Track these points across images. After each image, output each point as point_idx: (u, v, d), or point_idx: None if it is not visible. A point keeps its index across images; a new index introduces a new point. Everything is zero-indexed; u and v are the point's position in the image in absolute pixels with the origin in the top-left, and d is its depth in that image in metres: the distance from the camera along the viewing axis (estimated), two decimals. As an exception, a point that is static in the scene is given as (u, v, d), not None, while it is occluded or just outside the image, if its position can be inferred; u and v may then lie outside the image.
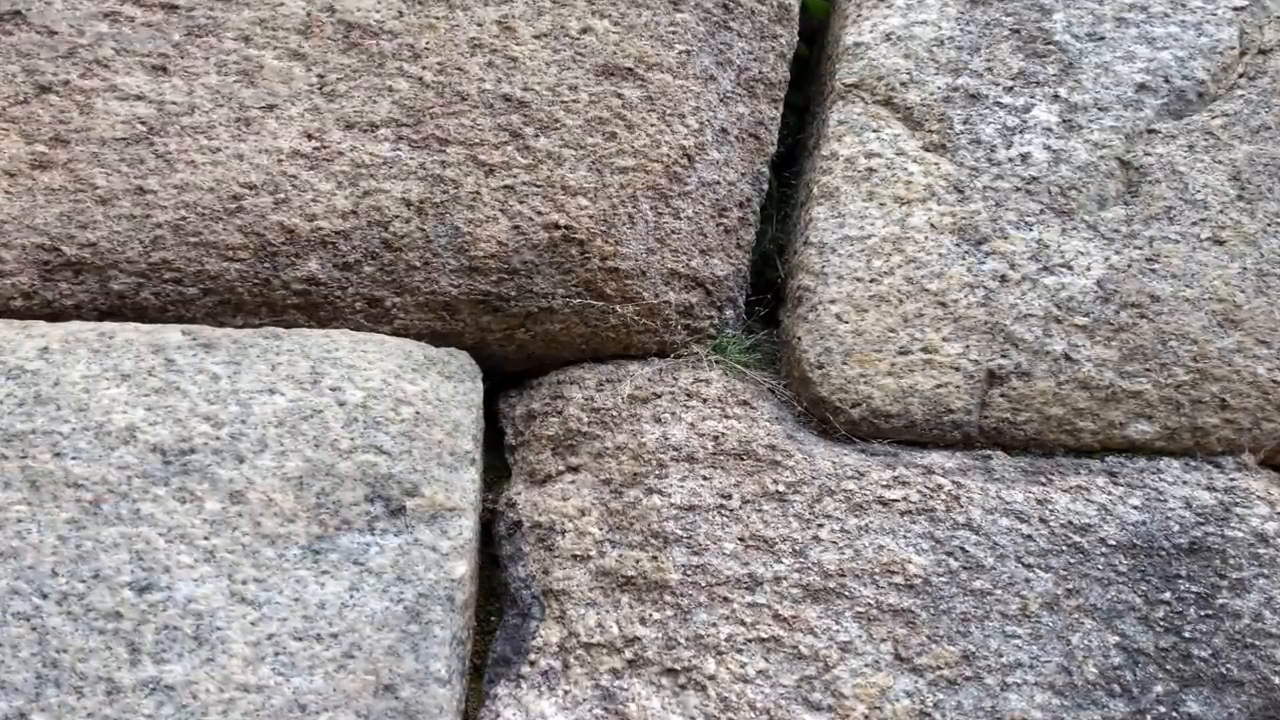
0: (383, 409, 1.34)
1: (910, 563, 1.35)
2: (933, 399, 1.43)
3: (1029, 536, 1.37)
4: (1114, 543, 1.37)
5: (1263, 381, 1.43)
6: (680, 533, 1.37)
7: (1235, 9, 1.59)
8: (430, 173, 1.44)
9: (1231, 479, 1.41)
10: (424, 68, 1.48)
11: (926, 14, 1.60)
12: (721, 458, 1.42)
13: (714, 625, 1.32)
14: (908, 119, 1.55)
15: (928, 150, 1.53)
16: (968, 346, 1.44)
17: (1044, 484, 1.41)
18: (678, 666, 1.30)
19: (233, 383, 1.33)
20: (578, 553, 1.38)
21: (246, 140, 1.43)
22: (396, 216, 1.43)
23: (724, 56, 1.57)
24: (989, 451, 1.44)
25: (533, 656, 1.33)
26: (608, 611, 1.34)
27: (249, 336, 1.38)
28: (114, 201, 1.39)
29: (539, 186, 1.45)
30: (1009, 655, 1.30)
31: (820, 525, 1.37)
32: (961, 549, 1.36)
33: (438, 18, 1.50)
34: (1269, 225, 1.48)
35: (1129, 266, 1.47)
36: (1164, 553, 1.36)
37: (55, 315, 1.39)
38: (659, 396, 1.47)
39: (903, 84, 1.56)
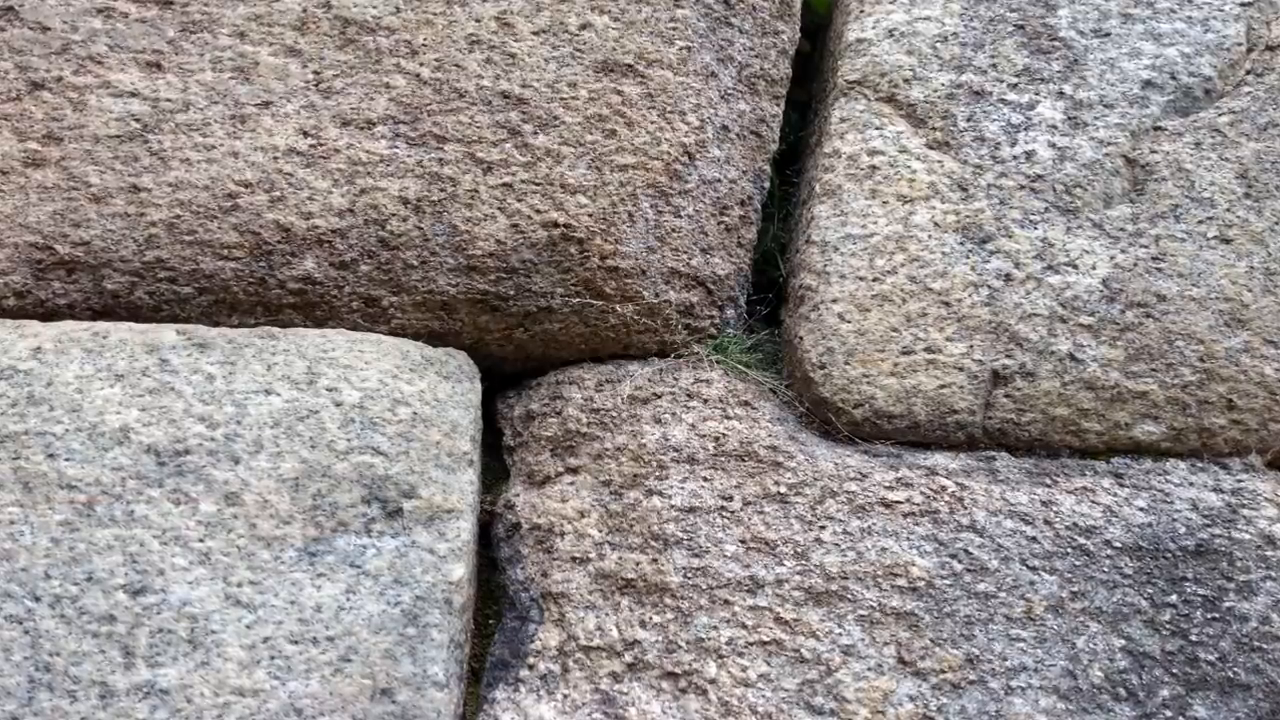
0: (380, 410, 1.32)
1: (913, 565, 1.34)
2: (936, 399, 1.41)
3: (1033, 539, 1.35)
4: (1119, 545, 1.35)
5: (1270, 382, 1.41)
6: (681, 535, 1.36)
7: (1242, 5, 1.57)
8: (428, 170, 1.43)
9: (1239, 480, 1.40)
10: (421, 64, 1.46)
11: (930, 10, 1.58)
12: (722, 459, 1.40)
13: (715, 628, 1.30)
14: (911, 116, 1.54)
15: (931, 148, 1.52)
16: (972, 346, 1.43)
17: (1049, 485, 1.39)
18: (678, 670, 1.29)
19: (228, 383, 1.31)
20: (577, 555, 1.37)
21: (242, 138, 1.41)
22: (393, 215, 1.41)
23: (725, 53, 1.56)
24: (993, 453, 1.42)
25: (531, 660, 1.32)
26: (607, 614, 1.33)
27: (244, 336, 1.37)
28: (108, 200, 1.38)
29: (538, 184, 1.44)
30: (1013, 659, 1.29)
31: (822, 527, 1.36)
32: (965, 551, 1.35)
33: (435, 14, 1.48)
34: (1277, 224, 1.46)
35: (1135, 265, 1.45)
36: (1170, 555, 1.35)
37: (48, 315, 1.38)
38: (659, 397, 1.46)
39: (906, 81, 1.55)
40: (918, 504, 1.37)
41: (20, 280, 1.37)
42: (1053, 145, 1.50)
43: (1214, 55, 1.54)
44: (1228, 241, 1.46)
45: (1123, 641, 1.30)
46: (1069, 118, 1.52)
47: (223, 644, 1.18)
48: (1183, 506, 1.38)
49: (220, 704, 1.15)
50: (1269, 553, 1.35)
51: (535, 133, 1.45)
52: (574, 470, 1.43)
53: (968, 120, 1.52)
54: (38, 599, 1.18)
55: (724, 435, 1.42)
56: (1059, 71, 1.55)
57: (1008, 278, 1.45)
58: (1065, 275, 1.45)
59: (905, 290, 1.45)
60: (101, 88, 1.41)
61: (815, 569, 1.34)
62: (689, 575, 1.34)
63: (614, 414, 1.45)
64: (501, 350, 1.50)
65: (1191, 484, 1.40)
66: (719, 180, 1.52)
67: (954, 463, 1.41)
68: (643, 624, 1.32)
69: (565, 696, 1.28)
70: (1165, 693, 1.27)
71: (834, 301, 1.45)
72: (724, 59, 1.56)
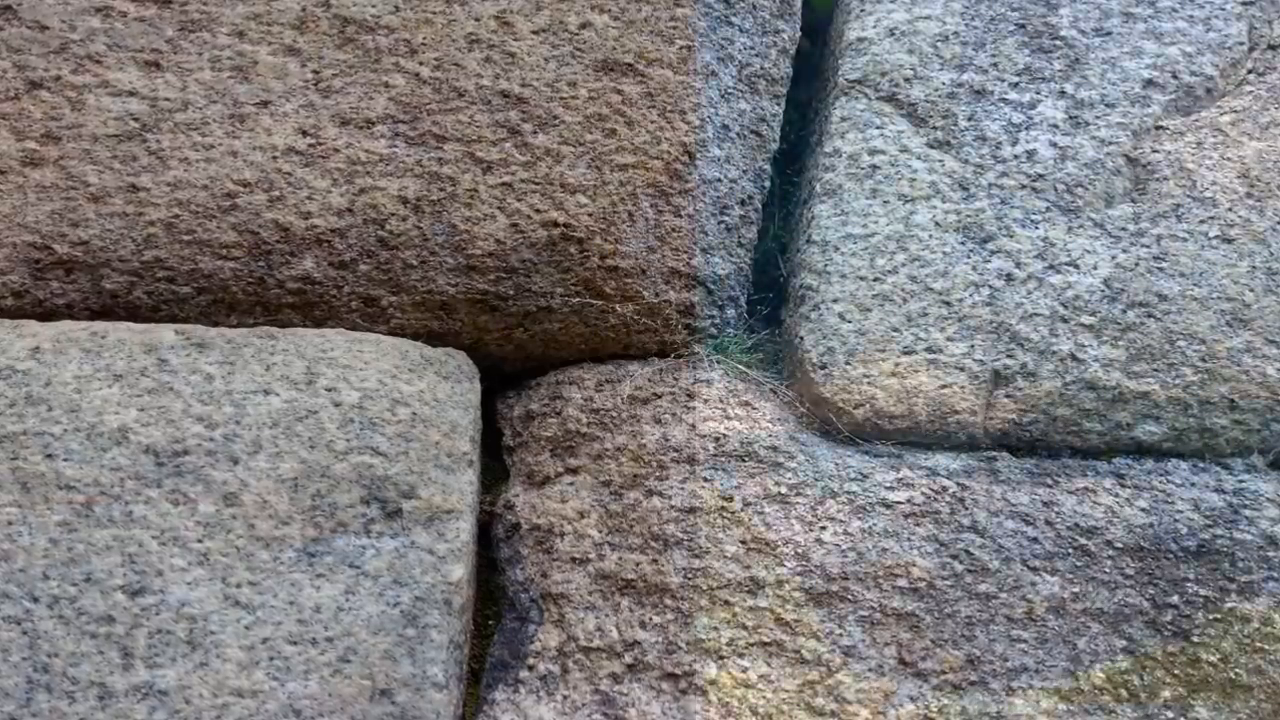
0: (379, 410, 1.32)
1: (914, 566, 1.33)
2: (937, 400, 1.41)
3: (1035, 539, 1.35)
4: (1121, 545, 1.35)
5: (1272, 382, 1.41)
6: (681, 535, 1.35)
7: (1244, 3, 1.57)
8: (427, 170, 1.43)
9: (1240, 481, 1.40)
10: (421, 63, 1.46)
11: (931, 9, 1.58)
12: (723, 459, 1.40)
13: (715, 629, 1.30)
14: (912, 115, 1.53)
15: (932, 147, 1.51)
16: (973, 346, 1.42)
17: (1050, 486, 1.39)
18: (678, 671, 1.28)
19: (227, 383, 1.31)
20: (577, 555, 1.37)
21: (241, 137, 1.41)
22: (393, 214, 1.41)
23: (725, 52, 1.55)
24: (994, 453, 1.42)
25: (531, 661, 1.31)
26: (607, 615, 1.32)
27: (243, 336, 1.36)
28: (106, 199, 1.38)
29: (537, 184, 1.44)
30: (1014, 659, 1.29)
31: (823, 528, 1.35)
32: (966, 552, 1.34)
33: (435, 13, 1.48)
34: (1279, 223, 1.46)
35: (1136, 265, 1.45)
36: (1171, 555, 1.34)
37: (47, 314, 1.38)
38: (659, 397, 1.45)
39: (906, 80, 1.54)
40: (918, 504, 1.37)
41: (18, 280, 1.37)
42: (1054, 144, 1.50)
43: (1216, 54, 1.54)
44: (1229, 241, 1.46)
45: (1124, 642, 1.30)
46: (1070, 117, 1.51)
47: (221, 645, 1.18)
48: (1184, 507, 1.38)
49: (219, 705, 1.15)
50: (1271, 553, 1.35)
51: (535, 132, 1.45)
52: (574, 470, 1.43)
53: (969, 119, 1.52)
54: (36, 599, 1.18)
55: (724, 435, 1.42)
56: (1060, 71, 1.54)
57: (1009, 277, 1.45)
58: (1067, 275, 1.44)
59: (906, 290, 1.44)
60: (100, 87, 1.41)
61: (816, 569, 1.33)
62: (689, 576, 1.33)
63: (614, 414, 1.45)
64: (501, 350, 1.49)
65: (1193, 484, 1.40)
66: (719, 180, 1.52)
67: (955, 463, 1.41)
68: (643, 625, 1.31)
69: (565, 697, 1.28)
70: (1167, 694, 1.27)
71: (835, 301, 1.45)
72: (724, 58, 1.55)
